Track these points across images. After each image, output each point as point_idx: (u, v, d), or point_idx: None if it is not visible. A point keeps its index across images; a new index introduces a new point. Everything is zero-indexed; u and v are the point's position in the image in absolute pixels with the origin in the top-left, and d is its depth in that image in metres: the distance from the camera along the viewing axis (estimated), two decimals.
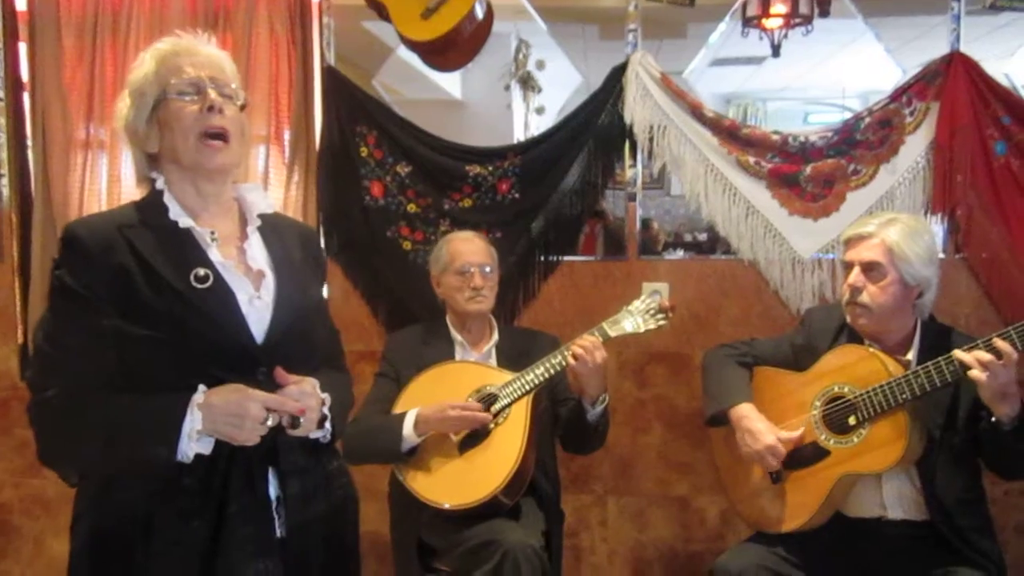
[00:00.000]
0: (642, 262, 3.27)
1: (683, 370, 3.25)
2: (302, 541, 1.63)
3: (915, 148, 3.06)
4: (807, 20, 3.20)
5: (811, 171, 3.09)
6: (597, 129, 3.19)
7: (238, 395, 1.52)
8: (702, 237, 3.39)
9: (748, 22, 3.27)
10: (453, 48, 3.15)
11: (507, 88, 3.41)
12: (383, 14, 3.13)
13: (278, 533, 1.60)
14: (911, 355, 2.29)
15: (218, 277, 1.58)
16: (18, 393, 3.40)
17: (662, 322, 2.51)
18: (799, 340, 2.51)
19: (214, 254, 1.60)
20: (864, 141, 3.07)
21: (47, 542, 3.50)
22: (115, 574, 1.55)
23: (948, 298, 3.01)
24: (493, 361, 2.70)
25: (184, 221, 1.59)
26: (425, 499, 2.44)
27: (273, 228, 1.72)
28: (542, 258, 3.27)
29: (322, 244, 3.11)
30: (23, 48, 3.35)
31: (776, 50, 3.25)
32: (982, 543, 2.22)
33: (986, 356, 2.03)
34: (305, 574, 1.64)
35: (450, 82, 3.49)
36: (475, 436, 2.48)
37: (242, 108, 1.66)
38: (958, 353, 2.07)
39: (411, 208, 3.25)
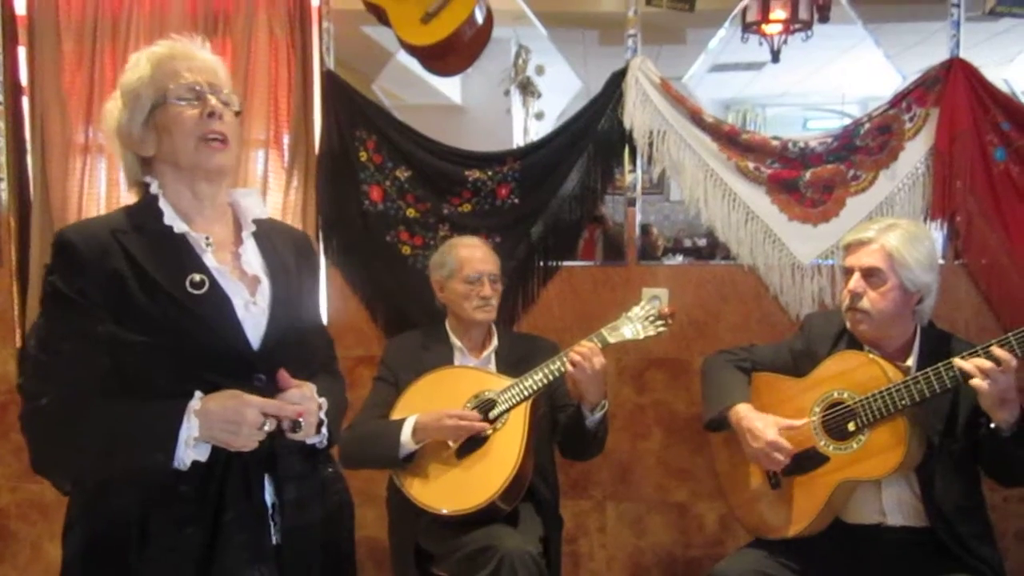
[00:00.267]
0: (641, 267, 3.27)
1: (682, 376, 3.25)
2: (298, 547, 1.62)
3: (915, 154, 3.06)
4: (807, 26, 3.20)
5: (811, 177, 3.09)
6: (597, 134, 3.19)
7: (235, 401, 1.51)
8: (701, 242, 3.39)
9: (748, 28, 3.27)
10: (453, 53, 3.15)
11: (507, 93, 3.42)
12: (383, 19, 3.13)
13: (274, 540, 1.60)
14: (911, 361, 2.29)
15: (214, 283, 1.57)
16: (16, 397, 3.34)
17: (662, 329, 2.50)
18: (798, 346, 2.50)
19: (209, 259, 1.59)
20: (864, 147, 3.07)
21: (44, 547, 3.49)
22: None
23: (947, 304, 3.01)
24: (492, 366, 2.69)
25: (179, 226, 1.58)
26: (423, 504, 2.43)
27: (267, 233, 1.71)
28: (541, 263, 3.27)
29: (315, 249, 3.10)
30: (22, 52, 3.36)
31: (776, 56, 3.25)
32: (982, 550, 2.21)
33: (986, 363, 2.02)
34: None
35: (450, 87, 3.49)
36: (473, 442, 2.47)
37: (237, 114, 1.66)
38: (958, 361, 2.07)
39: (410, 213, 3.25)
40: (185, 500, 1.52)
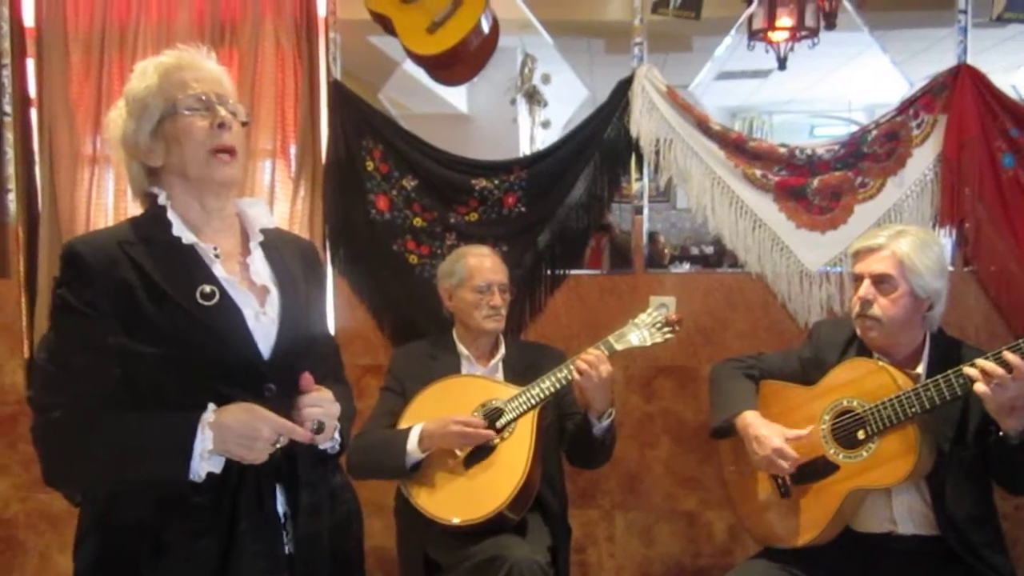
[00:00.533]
0: (649, 275, 3.26)
1: (690, 384, 3.24)
2: (309, 555, 1.62)
3: (922, 161, 3.05)
4: (813, 33, 3.20)
5: (818, 184, 3.08)
6: (603, 142, 3.19)
7: (250, 416, 1.51)
8: (709, 250, 3.39)
9: (754, 35, 3.26)
10: (459, 62, 3.16)
11: (513, 102, 3.42)
12: (389, 28, 3.14)
13: (286, 549, 1.60)
14: (920, 368, 2.27)
15: (224, 294, 1.57)
16: (25, 408, 3.40)
17: (669, 335, 2.49)
18: (807, 354, 2.49)
19: (218, 270, 1.59)
20: (871, 154, 3.07)
21: (53, 557, 3.49)
22: None
23: (957, 311, 3.00)
24: (500, 375, 2.69)
25: (187, 237, 1.58)
26: (431, 515, 2.43)
27: (274, 243, 1.71)
28: (548, 272, 3.26)
29: (321, 258, 3.11)
30: (31, 64, 3.37)
31: (782, 63, 3.25)
32: (994, 558, 2.20)
33: (997, 370, 2.01)
34: None
35: (456, 96, 3.50)
36: (481, 451, 2.46)
37: (244, 124, 1.66)
38: (967, 369, 2.05)
39: (417, 222, 3.25)
40: (199, 511, 1.52)
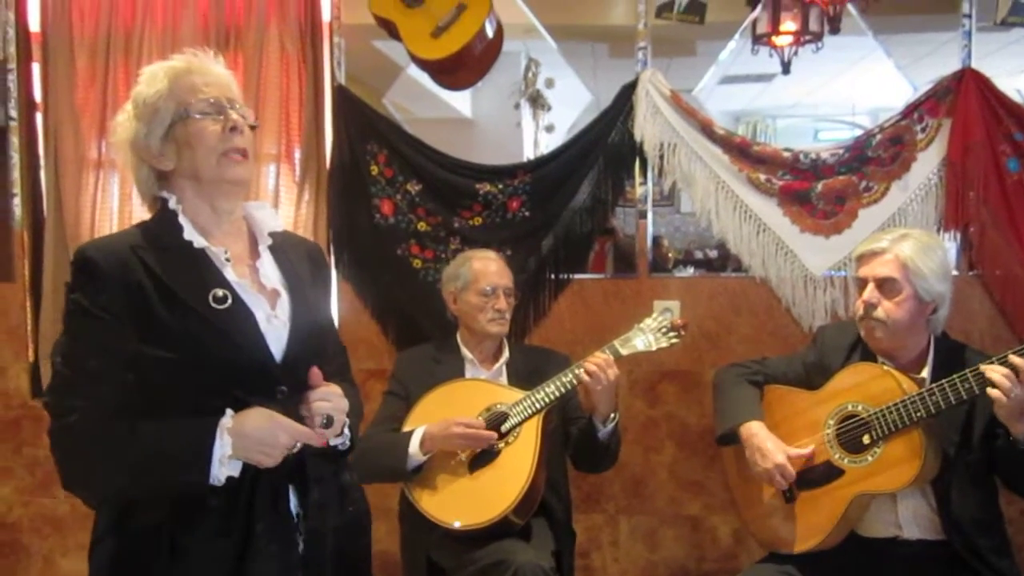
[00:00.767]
0: (653, 280, 3.26)
1: (694, 388, 3.24)
2: (320, 553, 1.63)
3: (927, 165, 3.05)
4: (817, 37, 3.20)
5: (822, 188, 3.08)
6: (607, 147, 3.19)
7: (269, 423, 1.53)
8: (713, 254, 3.38)
9: (758, 39, 3.26)
10: (463, 67, 3.16)
11: (517, 106, 3.42)
12: (393, 33, 3.14)
13: (300, 549, 1.61)
14: (925, 372, 2.27)
15: (236, 298, 1.58)
16: (29, 412, 3.41)
17: (674, 340, 2.50)
18: (811, 358, 2.49)
19: (230, 274, 1.60)
20: (875, 158, 3.06)
21: (56, 561, 3.50)
22: None
23: (962, 315, 2.99)
24: (504, 379, 2.69)
25: (199, 241, 1.59)
26: (435, 518, 2.43)
27: (281, 246, 1.73)
28: (552, 276, 3.26)
29: (327, 259, 3.11)
30: (36, 69, 3.38)
31: (786, 67, 3.25)
32: (1001, 563, 2.19)
33: (1008, 375, 2.01)
34: None
35: (460, 100, 3.50)
36: (485, 455, 2.47)
37: (252, 128, 1.67)
38: (985, 366, 2.04)
39: (421, 226, 3.25)
40: (216, 514, 1.53)
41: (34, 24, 3.38)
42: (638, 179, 3.24)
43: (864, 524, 2.29)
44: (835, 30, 3.19)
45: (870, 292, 2.26)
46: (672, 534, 3.31)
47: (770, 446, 2.31)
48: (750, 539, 2.82)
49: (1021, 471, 2.14)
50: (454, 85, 3.33)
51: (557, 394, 2.47)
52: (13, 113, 3.38)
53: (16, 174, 3.39)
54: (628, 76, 3.19)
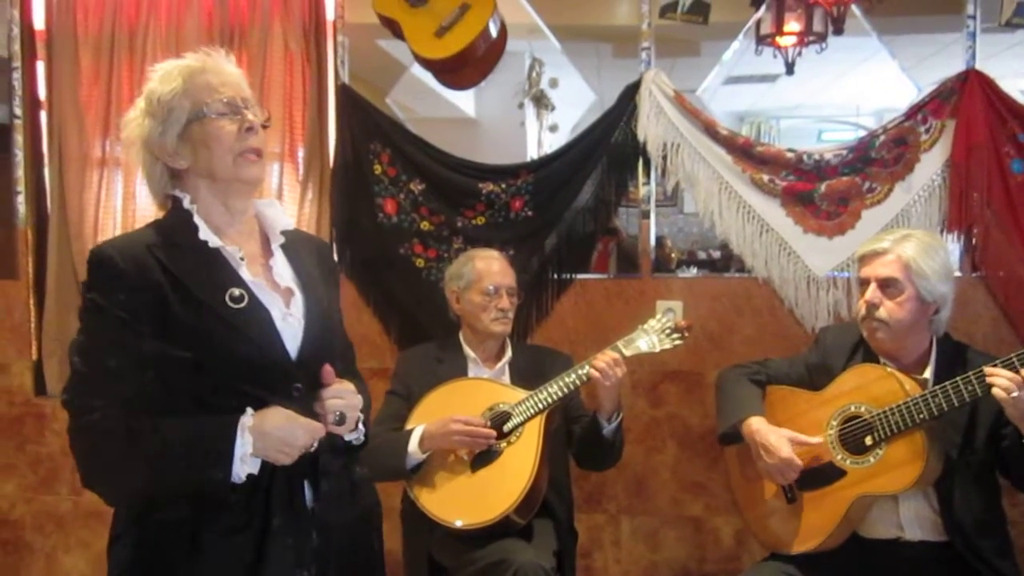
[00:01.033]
0: (656, 280, 3.25)
1: (697, 389, 3.23)
2: (333, 545, 1.65)
3: (931, 166, 3.04)
4: (821, 38, 3.19)
5: (826, 189, 3.08)
6: (610, 147, 3.19)
7: (289, 423, 1.55)
8: (716, 255, 3.38)
9: (762, 40, 3.26)
10: (467, 66, 3.16)
11: (520, 106, 3.42)
12: (397, 32, 3.14)
13: (315, 542, 1.62)
14: (928, 373, 2.27)
15: (252, 297, 1.59)
16: (32, 409, 3.42)
17: (678, 341, 2.50)
18: (814, 359, 2.49)
19: (245, 273, 1.61)
20: (879, 159, 3.06)
21: (59, 558, 3.50)
22: None
23: (965, 317, 2.99)
24: (506, 378, 2.69)
25: (214, 241, 1.60)
26: (436, 517, 2.43)
27: (291, 244, 1.74)
28: (555, 276, 3.26)
29: (335, 256, 3.12)
30: (41, 67, 3.39)
31: (790, 68, 3.24)
32: (1003, 565, 2.19)
33: (1016, 379, 2.00)
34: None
35: (464, 100, 3.50)
36: (487, 454, 2.47)
37: (264, 127, 1.68)
38: (989, 369, 2.04)
39: (424, 226, 3.25)
40: (234, 510, 1.54)
41: (38, 22, 3.39)
42: (641, 179, 3.23)
43: (866, 525, 2.29)
44: (839, 31, 3.18)
45: (872, 292, 2.26)
46: (674, 534, 3.31)
47: (773, 439, 2.30)
48: (752, 540, 2.82)
49: None
50: (458, 84, 3.33)
51: (560, 394, 2.47)
52: (17, 111, 3.38)
53: (20, 172, 3.40)
54: (632, 76, 3.19)
